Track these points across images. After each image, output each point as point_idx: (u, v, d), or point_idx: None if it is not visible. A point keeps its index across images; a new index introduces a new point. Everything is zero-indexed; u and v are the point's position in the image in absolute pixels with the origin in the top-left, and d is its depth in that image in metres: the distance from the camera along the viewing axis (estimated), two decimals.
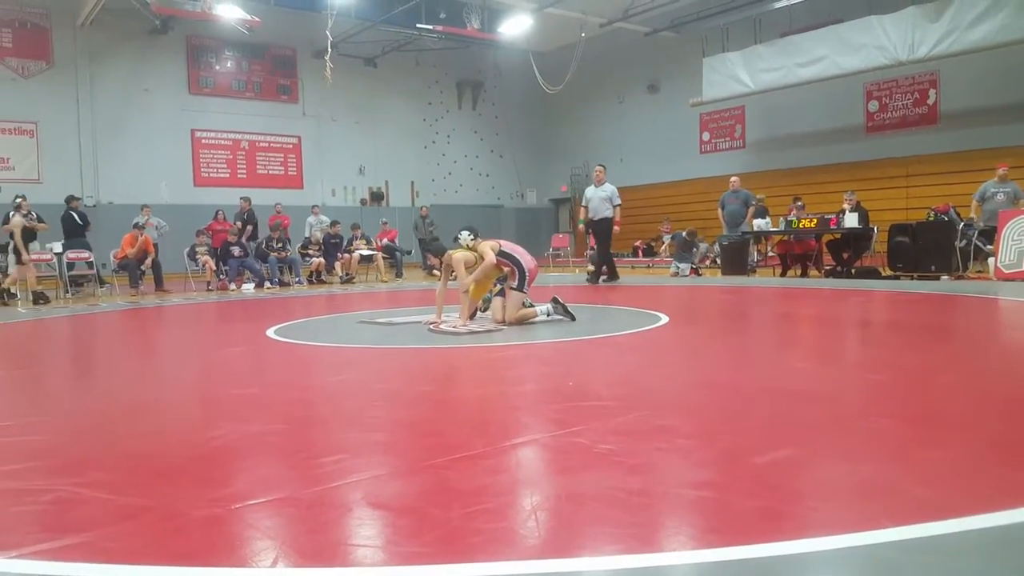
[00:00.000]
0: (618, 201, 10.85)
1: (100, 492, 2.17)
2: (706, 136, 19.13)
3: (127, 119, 16.61)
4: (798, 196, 13.50)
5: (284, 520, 1.95)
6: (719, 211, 13.15)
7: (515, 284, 5.78)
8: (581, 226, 11.42)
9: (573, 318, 6.02)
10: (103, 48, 16.49)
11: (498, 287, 6.11)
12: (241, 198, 14.36)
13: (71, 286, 11.23)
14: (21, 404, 3.69)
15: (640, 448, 2.52)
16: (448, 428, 2.95)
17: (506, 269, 5.89)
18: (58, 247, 11.35)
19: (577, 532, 1.83)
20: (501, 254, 5.89)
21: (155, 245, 12.05)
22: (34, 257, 11.03)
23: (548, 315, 6.00)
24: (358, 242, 14.28)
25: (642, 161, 20.04)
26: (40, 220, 11.16)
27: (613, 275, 11.20)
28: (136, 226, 11.97)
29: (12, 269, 10.74)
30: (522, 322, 5.77)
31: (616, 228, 10.84)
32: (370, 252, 14.15)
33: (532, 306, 5.97)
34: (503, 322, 5.74)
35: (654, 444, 2.57)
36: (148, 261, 11.71)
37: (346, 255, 13.90)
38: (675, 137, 19.38)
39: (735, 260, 12.49)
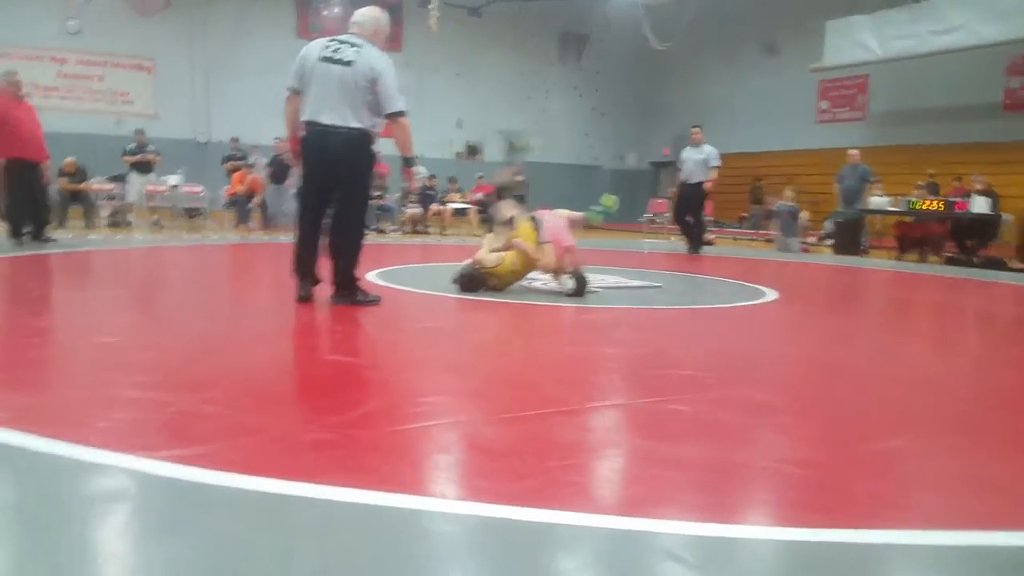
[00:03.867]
0: (716, 163, 10.37)
1: (220, 408, 2.30)
2: (824, 105, 18.12)
3: (237, 60, 17.11)
4: (933, 180, 12.53)
5: (386, 449, 2.02)
6: (835, 185, 12.51)
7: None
8: (673, 190, 11.05)
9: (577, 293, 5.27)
10: None
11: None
12: (276, 139, 12.80)
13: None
14: (151, 324, 3.94)
15: (740, 421, 2.46)
16: (544, 382, 2.96)
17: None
18: (173, 179, 11.95)
19: (670, 496, 1.81)
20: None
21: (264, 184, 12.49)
22: (150, 188, 11.70)
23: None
24: (452, 195, 14.42)
25: (752, 127, 19.16)
26: (156, 153, 11.81)
27: (697, 244, 10.66)
28: (246, 165, 12.42)
29: (132, 197, 11.46)
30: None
31: (707, 185, 10.32)
32: (464, 205, 14.27)
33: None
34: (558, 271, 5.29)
35: (755, 419, 2.50)
36: (256, 199, 12.17)
37: (439, 207, 14.04)
38: (790, 104, 18.42)
39: (848, 239, 11.86)
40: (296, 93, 4.23)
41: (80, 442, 1.90)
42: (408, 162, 4.14)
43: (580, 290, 5.13)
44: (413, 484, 1.78)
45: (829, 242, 12.75)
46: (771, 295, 5.93)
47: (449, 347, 3.59)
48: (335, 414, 2.36)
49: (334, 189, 4.21)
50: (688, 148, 10.67)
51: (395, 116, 4.05)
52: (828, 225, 13.09)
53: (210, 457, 1.86)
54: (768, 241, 13.65)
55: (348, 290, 4.24)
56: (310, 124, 4.13)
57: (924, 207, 10.96)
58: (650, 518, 1.64)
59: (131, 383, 2.56)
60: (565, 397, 2.67)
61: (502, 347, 3.71)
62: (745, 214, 18.08)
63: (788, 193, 13.14)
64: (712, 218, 14.97)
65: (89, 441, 1.92)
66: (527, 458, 1.99)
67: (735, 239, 15.74)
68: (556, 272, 5.27)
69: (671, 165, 22.44)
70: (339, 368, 3.15)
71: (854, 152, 12.44)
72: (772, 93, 18.80)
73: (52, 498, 1.64)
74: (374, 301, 4.29)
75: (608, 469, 2.00)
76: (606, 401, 2.71)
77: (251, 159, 12.86)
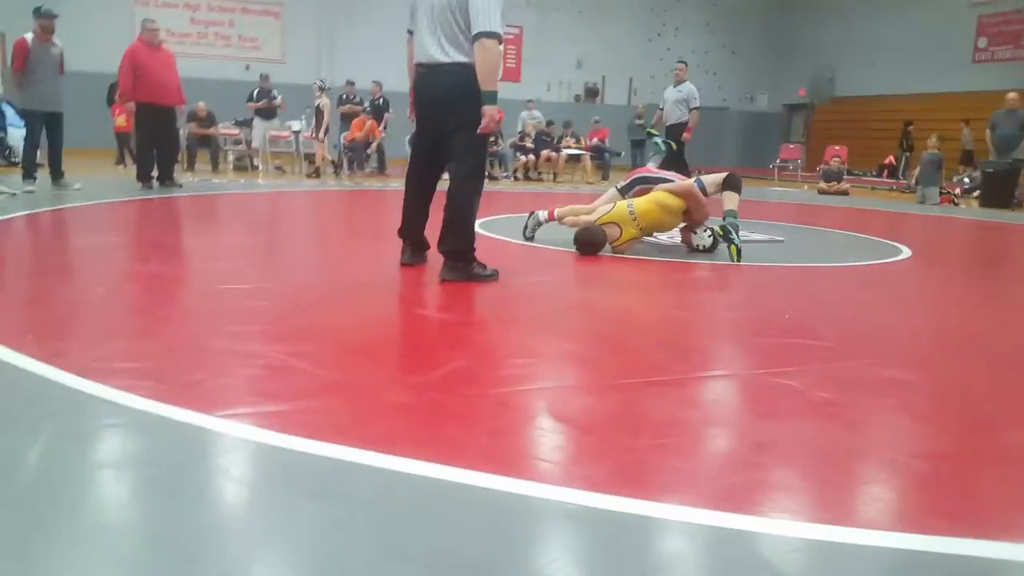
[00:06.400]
0: (696, 103, 9.23)
1: (306, 363, 2.27)
2: (983, 42, 16.32)
3: (362, 5, 17.21)
4: None
5: (465, 418, 1.92)
6: (987, 132, 11.28)
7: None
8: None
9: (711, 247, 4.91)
10: None
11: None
12: (373, 81, 13.24)
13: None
14: (256, 270, 4.03)
15: (863, 401, 2.21)
16: (644, 347, 2.78)
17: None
18: (296, 125, 12.26)
19: (774, 488, 1.63)
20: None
21: (383, 131, 12.59)
22: (273, 134, 12.04)
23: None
24: (568, 140, 14.05)
25: (899, 67, 17.57)
26: (280, 99, 12.01)
27: None
28: (364, 110, 12.54)
29: (257, 143, 11.78)
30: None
31: (686, 135, 9.17)
32: (578, 151, 13.90)
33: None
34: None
35: (880, 399, 2.24)
36: (373, 145, 12.34)
37: (551, 153, 13.69)
38: (942, 41, 16.70)
39: (999, 190, 10.75)
40: (411, 34, 3.76)
41: (160, 399, 1.91)
42: (486, 97, 3.44)
43: (715, 246, 4.84)
44: (491, 461, 1.67)
45: (976, 194, 11.65)
46: (905, 252, 5.42)
47: (546, 305, 3.45)
48: (420, 373, 2.30)
49: (446, 139, 3.68)
50: (670, 87, 9.58)
51: (481, 37, 3.40)
52: (969, 176, 11.95)
53: (286, 417, 1.84)
54: (911, 191, 12.58)
55: (460, 262, 3.68)
56: (417, 66, 3.69)
57: None
58: (743, 514, 1.47)
59: (228, 333, 2.60)
60: (667, 365, 2.50)
61: (602, 307, 3.54)
62: (887, 161, 16.76)
63: (932, 141, 12.03)
64: (847, 166, 13.92)
65: (170, 398, 1.93)
66: (616, 435, 1.86)
67: (873, 188, 14.61)
68: (696, 225, 4.93)
69: (805, 108, 21.08)
70: (431, 323, 3.10)
71: (1012, 96, 11.10)
72: (922, 30, 17.12)
73: (120, 456, 1.67)
74: (491, 276, 3.72)
75: (705, 452, 1.83)
76: (710, 371, 2.51)
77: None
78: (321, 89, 11.69)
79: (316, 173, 11.41)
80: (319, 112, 11.51)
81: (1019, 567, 1.36)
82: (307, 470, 1.58)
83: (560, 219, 5.12)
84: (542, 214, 5.19)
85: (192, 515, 1.37)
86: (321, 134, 11.49)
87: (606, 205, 5.03)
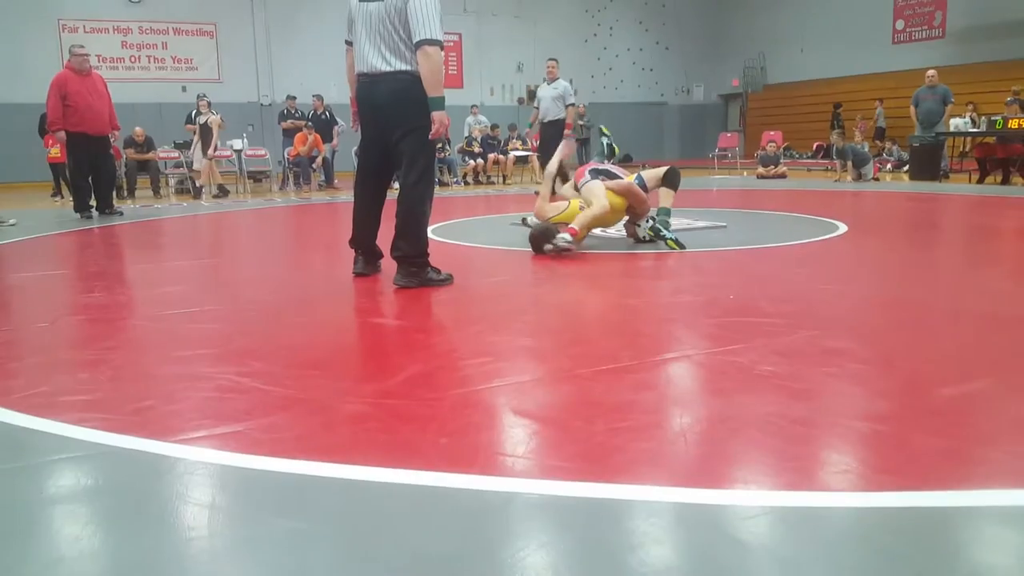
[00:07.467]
0: (571, 100, 9.38)
1: (257, 382, 2.27)
2: (900, 24, 17.02)
3: (299, 19, 17.10)
4: (1019, 97, 11.59)
5: (424, 421, 1.94)
6: (911, 109, 11.74)
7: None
8: (529, 129, 10.07)
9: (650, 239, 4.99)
10: None
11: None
12: (314, 96, 12.95)
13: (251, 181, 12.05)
14: (202, 293, 3.99)
15: (807, 372, 2.30)
16: (599, 337, 2.85)
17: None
18: (238, 144, 12.08)
19: (728, 461, 1.69)
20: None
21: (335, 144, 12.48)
22: (215, 154, 11.81)
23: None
24: (514, 142, 14.17)
25: (825, 53, 18.22)
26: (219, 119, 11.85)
27: None
28: (307, 125, 12.43)
29: (198, 164, 11.58)
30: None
31: (566, 132, 9.14)
32: (525, 153, 14.00)
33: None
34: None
35: (823, 368, 2.33)
36: (319, 160, 12.23)
37: (500, 156, 13.81)
38: (864, 26, 17.38)
39: (926, 164, 11.21)
40: (350, 45, 3.79)
41: (111, 429, 1.89)
42: (434, 103, 3.53)
43: (657, 236, 4.90)
44: (452, 460, 1.70)
45: (905, 169, 12.13)
46: (842, 228, 5.63)
47: (500, 304, 3.49)
48: (374, 382, 2.31)
49: (394, 147, 3.74)
50: (543, 85, 9.74)
51: (423, 45, 3.48)
52: (888, 152, 12.43)
53: (242, 437, 1.83)
54: (844, 171, 12.97)
55: (414, 268, 3.70)
56: (358, 76, 3.72)
57: (1010, 126, 10.17)
58: (705, 487, 1.54)
59: (177, 359, 2.57)
60: (622, 352, 2.55)
61: (554, 301, 3.60)
62: (821, 143, 17.29)
63: (858, 136, 12.54)
64: (783, 150, 14.32)
65: (121, 428, 1.91)
66: (576, 423, 1.90)
67: (809, 170, 15.03)
68: (638, 218, 5.05)
69: (740, 97, 21.59)
70: (384, 331, 3.11)
71: (932, 73, 11.61)
72: (844, 16, 17.82)
73: (74, 489, 1.63)
74: (446, 280, 3.75)
75: (660, 432, 1.87)
76: (661, 355, 2.56)
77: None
78: (208, 105, 11.45)
79: (198, 194, 10.92)
80: (207, 129, 11.18)
81: (956, 512, 1.45)
82: (269, 487, 1.58)
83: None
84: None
85: (157, 541, 1.36)
86: (211, 152, 11.18)
87: (559, 206, 5.20)
